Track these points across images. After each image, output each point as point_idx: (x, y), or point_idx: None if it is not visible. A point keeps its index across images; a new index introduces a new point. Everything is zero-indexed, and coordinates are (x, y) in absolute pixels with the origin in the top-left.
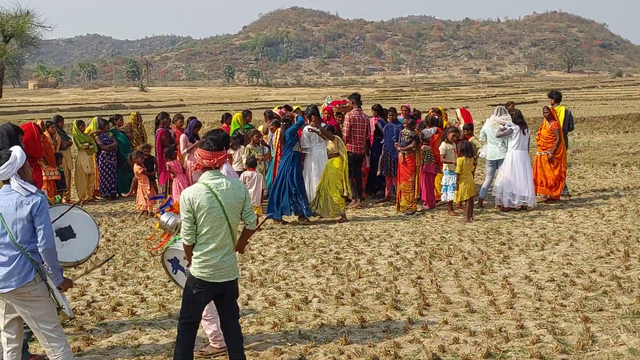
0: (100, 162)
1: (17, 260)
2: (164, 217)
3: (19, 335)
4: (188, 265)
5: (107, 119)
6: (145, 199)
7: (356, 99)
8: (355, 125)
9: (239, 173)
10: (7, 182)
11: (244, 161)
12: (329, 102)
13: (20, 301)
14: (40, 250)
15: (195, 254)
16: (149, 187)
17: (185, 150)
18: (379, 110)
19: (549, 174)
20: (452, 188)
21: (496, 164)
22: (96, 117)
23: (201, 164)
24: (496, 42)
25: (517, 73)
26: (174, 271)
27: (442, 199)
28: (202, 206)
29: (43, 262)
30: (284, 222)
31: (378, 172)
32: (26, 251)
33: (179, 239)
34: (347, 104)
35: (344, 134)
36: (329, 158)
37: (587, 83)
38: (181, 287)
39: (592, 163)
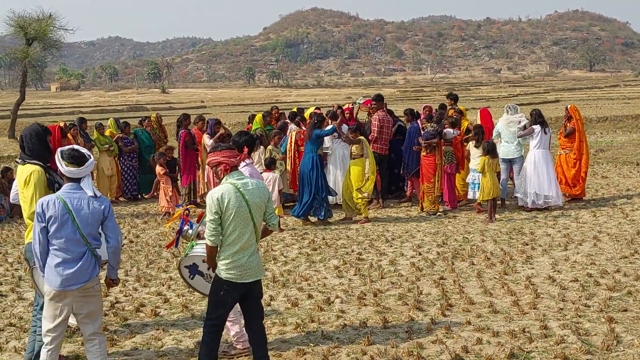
0: (121, 164)
1: (85, 256)
2: (186, 228)
3: (62, 337)
4: (208, 269)
5: (139, 120)
6: (167, 200)
7: (380, 99)
8: (383, 126)
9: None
10: (73, 180)
11: (263, 162)
12: (360, 102)
13: (83, 297)
14: (109, 249)
15: (221, 255)
16: (171, 189)
17: (211, 141)
18: (389, 112)
19: (567, 173)
20: (479, 186)
21: (509, 162)
22: (112, 119)
23: (230, 163)
24: (517, 42)
25: (539, 72)
26: (191, 276)
27: (470, 197)
28: (232, 205)
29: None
30: (309, 222)
31: (401, 172)
32: (92, 248)
33: (196, 244)
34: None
35: (373, 134)
36: (352, 159)
37: (609, 82)
38: (199, 292)
39: (615, 162)
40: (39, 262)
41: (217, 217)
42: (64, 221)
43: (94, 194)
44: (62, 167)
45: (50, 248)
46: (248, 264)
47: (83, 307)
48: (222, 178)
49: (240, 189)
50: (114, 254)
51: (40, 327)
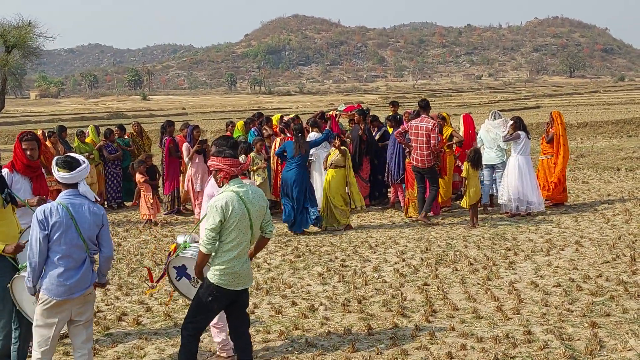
0: (106, 172)
1: (85, 262)
2: (180, 239)
3: (54, 351)
4: (197, 276)
5: (114, 128)
6: (148, 207)
7: (424, 106)
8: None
9: None
10: (70, 186)
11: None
12: (341, 109)
13: (84, 304)
14: (104, 256)
15: (217, 261)
16: (151, 196)
17: (187, 159)
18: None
19: (549, 178)
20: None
21: (492, 168)
22: (92, 126)
23: (229, 171)
24: (498, 48)
25: (519, 79)
26: (178, 278)
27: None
28: (235, 213)
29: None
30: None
31: (385, 179)
32: (91, 254)
33: (189, 246)
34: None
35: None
36: (333, 168)
37: (589, 88)
38: (182, 294)
39: (595, 168)
40: (35, 272)
41: (219, 225)
42: (67, 227)
43: (95, 199)
44: (55, 172)
45: (52, 257)
46: (241, 272)
47: (83, 314)
48: (221, 185)
49: (242, 197)
50: (107, 262)
51: None
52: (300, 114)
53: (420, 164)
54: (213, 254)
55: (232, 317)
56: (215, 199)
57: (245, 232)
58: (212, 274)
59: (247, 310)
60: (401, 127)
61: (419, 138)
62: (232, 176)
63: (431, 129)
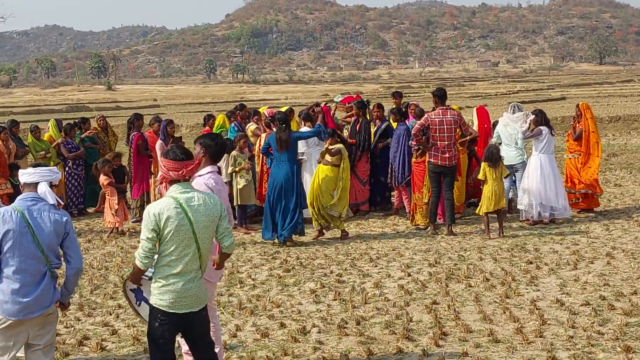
0: (66, 173)
1: (46, 277)
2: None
3: None
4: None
5: (73, 123)
6: (112, 214)
7: (440, 95)
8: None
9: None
10: (30, 188)
11: (229, 169)
12: (338, 100)
13: (44, 325)
14: (72, 268)
15: (155, 277)
16: (117, 201)
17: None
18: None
19: (583, 177)
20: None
21: (511, 168)
22: (53, 120)
23: (168, 176)
24: (517, 31)
25: (542, 66)
26: (138, 303)
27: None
28: (170, 223)
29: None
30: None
31: (388, 181)
32: (52, 268)
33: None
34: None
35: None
36: (326, 165)
37: (622, 76)
38: (146, 321)
39: (630, 168)
40: None
41: (154, 235)
42: (22, 236)
43: (57, 201)
44: (20, 171)
45: (6, 271)
46: (184, 291)
47: (42, 337)
48: (166, 190)
49: (183, 205)
50: (75, 276)
51: None
52: (292, 106)
53: (448, 162)
54: (151, 268)
55: (193, 346)
56: (149, 206)
57: (187, 245)
58: (153, 295)
59: (210, 338)
60: (419, 123)
61: (446, 134)
62: (174, 180)
63: (461, 120)
